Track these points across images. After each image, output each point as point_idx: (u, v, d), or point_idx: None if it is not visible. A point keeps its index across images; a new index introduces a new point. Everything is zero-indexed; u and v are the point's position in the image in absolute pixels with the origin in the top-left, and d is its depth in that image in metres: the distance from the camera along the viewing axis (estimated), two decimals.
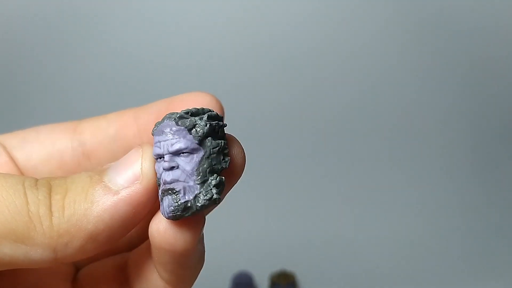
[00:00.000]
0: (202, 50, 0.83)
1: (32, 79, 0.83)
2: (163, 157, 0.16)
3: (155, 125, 0.17)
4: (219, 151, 0.17)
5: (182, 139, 0.16)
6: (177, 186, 0.16)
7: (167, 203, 0.16)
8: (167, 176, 0.16)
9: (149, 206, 0.17)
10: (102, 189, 0.16)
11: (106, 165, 0.17)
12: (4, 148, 0.20)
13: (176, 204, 0.16)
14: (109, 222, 0.16)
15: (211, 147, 0.16)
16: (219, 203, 0.17)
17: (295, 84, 0.83)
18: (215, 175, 0.16)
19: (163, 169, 0.16)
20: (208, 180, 0.16)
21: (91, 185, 0.16)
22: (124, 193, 0.16)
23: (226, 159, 0.17)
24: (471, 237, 0.79)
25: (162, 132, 0.16)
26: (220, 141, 0.17)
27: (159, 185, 0.16)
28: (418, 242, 0.78)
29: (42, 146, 0.20)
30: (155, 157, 0.17)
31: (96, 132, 0.21)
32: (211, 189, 0.16)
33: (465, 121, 0.85)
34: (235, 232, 0.77)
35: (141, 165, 0.16)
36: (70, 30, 0.82)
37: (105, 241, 0.16)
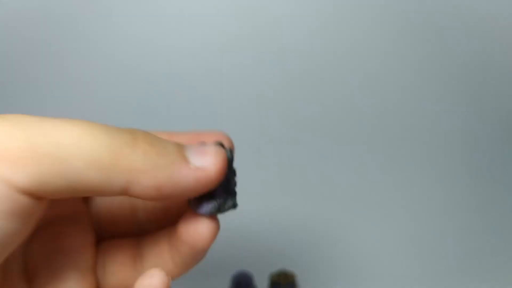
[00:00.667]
0: (202, 50, 0.83)
1: (32, 80, 0.83)
2: None
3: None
4: (234, 173, 0.24)
5: None
6: (213, 194, 0.23)
7: (207, 205, 0.23)
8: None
9: (207, 189, 0.21)
10: (182, 158, 0.20)
11: (186, 144, 0.22)
12: None
13: (213, 206, 0.23)
14: (175, 183, 0.20)
15: (233, 171, 0.24)
16: (236, 208, 0.25)
17: (294, 84, 0.84)
18: (233, 189, 0.24)
19: None
20: (230, 192, 0.24)
21: (175, 151, 0.20)
22: (197, 171, 0.20)
23: (236, 179, 0.25)
24: (471, 237, 0.79)
25: None
26: (234, 167, 0.25)
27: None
28: (419, 242, 0.78)
29: None
30: None
31: None
32: (232, 198, 0.24)
33: (465, 121, 0.85)
34: (234, 232, 0.77)
35: (219, 162, 0.21)
36: (68, 32, 0.82)
37: (166, 195, 0.20)
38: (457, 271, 0.73)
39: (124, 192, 0.19)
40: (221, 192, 0.23)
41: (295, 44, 0.82)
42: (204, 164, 0.20)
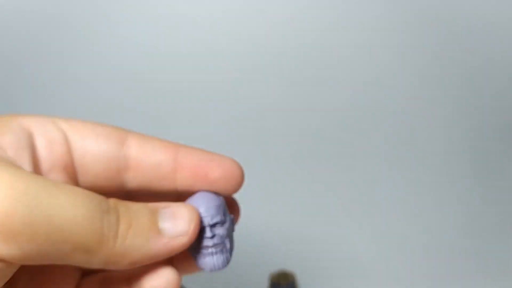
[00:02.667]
0: (202, 54, 0.83)
1: (32, 82, 0.83)
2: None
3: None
4: (232, 221, 0.25)
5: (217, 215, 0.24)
6: (219, 247, 0.24)
7: (219, 258, 0.24)
8: (208, 242, 0.24)
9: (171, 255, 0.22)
10: (156, 233, 0.21)
11: (160, 207, 0.22)
12: (66, 138, 0.23)
13: (226, 259, 0.24)
14: (151, 258, 0.21)
15: (230, 220, 0.25)
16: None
17: (293, 84, 0.84)
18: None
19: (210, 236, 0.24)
20: (231, 240, 0.25)
21: (150, 227, 0.21)
22: (170, 243, 0.21)
23: (234, 227, 0.25)
24: (471, 237, 0.79)
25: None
26: (231, 216, 0.25)
27: (201, 247, 0.24)
28: (419, 242, 0.78)
29: (97, 147, 0.23)
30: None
31: (141, 152, 0.24)
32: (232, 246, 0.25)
33: (465, 121, 0.85)
34: (235, 232, 0.77)
35: (190, 227, 0.22)
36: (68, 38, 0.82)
37: (132, 267, 0.21)
38: (457, 271, 0.73)
39: (101, 268, 0.20)
40: (225, 241, 0.24)
41: (294, 54, 0.83)
42: (177, 230, 0.21)
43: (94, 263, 0.20)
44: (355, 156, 0.84)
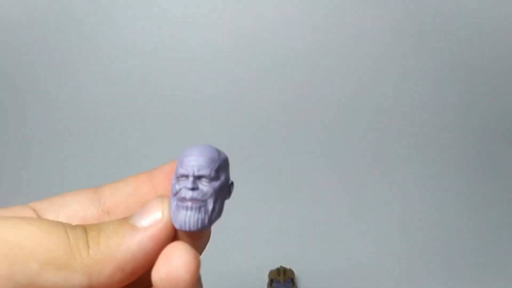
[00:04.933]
0: (200, 51, 0.83)
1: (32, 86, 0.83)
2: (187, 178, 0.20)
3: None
4: (227, 184, 0.21)
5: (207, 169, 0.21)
6: (197, 204, 0.20)
7: (193, 216, 0.20)
8: (187, 194, 0.20)
9: (167, 242, 0.20)
10: (130, 228, 0.20)
11: (130, 214, 0.21)
12: (35, 211, 0.23)
13: (201, 221, 0.20)
14: (136, 254, 0.19)
15: (227, 183, 0.21)
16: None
17: (293, 84, 0.83)
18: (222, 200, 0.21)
19: (187, 188, 0.20)
20: (217, 203, 0.21)
21: (121, 225, 0.20)
22: (149, 231, 0.20)
23: (231, 189, 0.22)
24: (471, 237, 0.79)
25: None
26: (231, 181, 0.22)
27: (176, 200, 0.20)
28: (418, 241, 0.78)
29: (67, 206, 0.24)
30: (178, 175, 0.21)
31: (115, 191, 0.24)
32: (219, 210, 0.21)
33: (464, 121, 0.85)
34: (234, 230, 0.78)
35: (163, 209, 0.20)
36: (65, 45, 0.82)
37: (131, 271, 0.19)
38: (457, 271, 0.73)
39: (89, 286, 0.19)
40: (209, 201, 0.21)
41: (296, 50, 0.82)
42: (151, 219, 0.20)
43: (77, 280, 0.18)
44: (354, 158, 0.84)
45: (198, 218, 0.20)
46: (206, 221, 0.20)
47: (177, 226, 0.20)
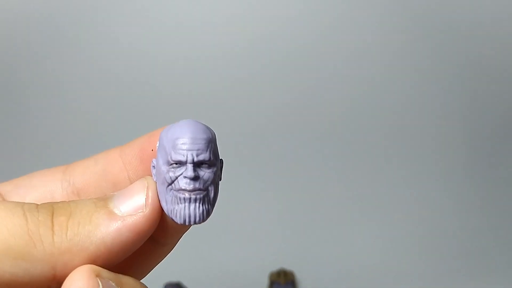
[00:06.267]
0: (198, 50, 0.83)
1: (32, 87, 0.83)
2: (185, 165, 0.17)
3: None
4: (221, 164, 0.19)
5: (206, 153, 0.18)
6: (200, 194, 0.17)
7: (199, 208, 0.17)
8: (188, 185, 0.17)
9: (149, 234, 0.18)
10: (107, 215, 0.17)
11: (109, 193, 0.18)
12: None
13: (207, 212, 0.18)
14: (110, 246, 0.17)
15: (220, 163, 0.18)
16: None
17: (293, 85, 0.83)
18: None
19: (186, 177, 0.17)
20: (216, 189, 0.18)
21: (96, 210, 0.17)
22: (128, 220, 0.17)
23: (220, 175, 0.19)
24: (471, 237, 0.79)
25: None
26: (221, 159, 0.19)
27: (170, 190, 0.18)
28: (417, 241, 0.78)
29: (34, 189, 0.21)
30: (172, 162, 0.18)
31: (85, 171, 0.21)
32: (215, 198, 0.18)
33: (463, 122, 0.85)
34: (235, 231, 0.77)
35: (147, 196, 0.18)
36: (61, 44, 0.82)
37: (102, 264, 0.17)
38: (457, 271, 0.73)
39: (53, 278, 0.16)
40: (210, 189, 0.18)
41: (296, 50, 0.83)
42: (133, 206, 0.17)
43: (38, 270, 0.16)
44: (354, 159, 0.84)
45: (203, 210, 0.17)
46: (211, 211, 0.18)
47: (179, 221, 0.17)
